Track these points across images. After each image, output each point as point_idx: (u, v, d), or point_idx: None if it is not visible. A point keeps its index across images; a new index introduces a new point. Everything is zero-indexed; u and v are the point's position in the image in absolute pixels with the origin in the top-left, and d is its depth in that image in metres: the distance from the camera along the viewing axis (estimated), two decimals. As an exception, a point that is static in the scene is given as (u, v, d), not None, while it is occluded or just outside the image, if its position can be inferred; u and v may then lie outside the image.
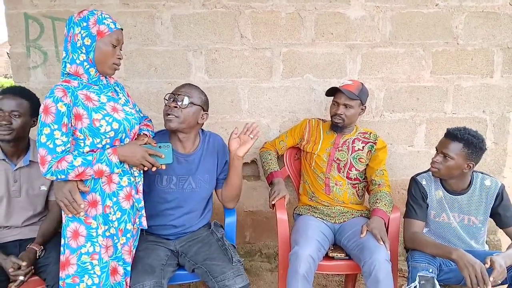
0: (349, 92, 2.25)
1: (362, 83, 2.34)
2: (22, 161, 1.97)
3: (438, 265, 1.93)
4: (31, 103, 1.95)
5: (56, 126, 1.54)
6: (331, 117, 2.33)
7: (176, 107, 1.89)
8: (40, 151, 1.56)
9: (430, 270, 1.85)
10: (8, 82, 22.00)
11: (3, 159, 1.94)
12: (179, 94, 1.91)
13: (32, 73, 2.59)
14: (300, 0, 2.61)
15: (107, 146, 1.67)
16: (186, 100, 1.89)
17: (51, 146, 1.55)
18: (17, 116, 1.90)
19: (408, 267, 1.94)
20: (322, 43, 2.68)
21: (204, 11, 2.59)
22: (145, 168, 1.74)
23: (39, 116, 1.57)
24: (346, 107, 2.26)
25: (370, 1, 2.64)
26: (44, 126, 1.54)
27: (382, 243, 1.97)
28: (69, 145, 1.60)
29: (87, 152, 1.63)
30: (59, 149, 1.56)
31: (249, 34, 2.64)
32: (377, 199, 2.19)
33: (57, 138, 1.55)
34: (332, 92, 2.35)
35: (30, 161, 1.98)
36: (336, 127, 2.33)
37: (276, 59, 2.68)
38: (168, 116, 1.89)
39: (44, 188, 2.02)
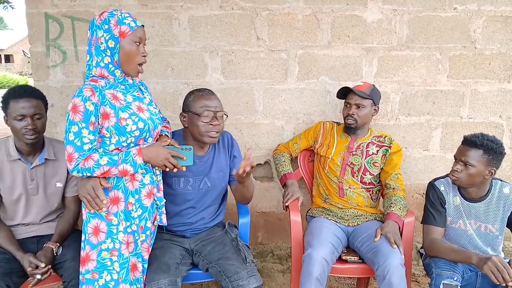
0: (360, 91, 2.26)
1: (373, 85, 2.35)
2: (37, 159, 1.99)
3: (462, 272, 1.91)
4: (44, 102, 1.99)
5: (84, 125, 1.58)
6: (344, 118, 2.34)
7: (218, 124, 1.91)
8: (67, 148, 1.60)
9: (455, 278, 1.84)
10: (22, 80, 22.33)
11: (19, 159, 1.97)
12: (218, 111, 1.91)
13: (51, 72, 2.64)
14: (317, 2, 2.62)
15: (132, 144, 1.70)
16: (224, 117, 1.95)
17: (78, 144, 1.59)
18: (38, 118, 1.93)
19: (432, 274, 1.91)
20: (338, 46, 2.68)
21: (221, 12, 2.61)
22: (167, 169, 1.76)
23: (67, 114, 1.60)
24: (358, 107, 2.27)
25: (387, 4, 2.63)
26: (72, 124, 1.58)
27: (396, 247, 1.96)
28: (95, 143, 1.63)
29: (112, 150, 1.66)
30: (86, 147, 1.60)
31: (265, 36, 2.65)
32: (392, 203, 2.18)
33: (85, 137, 1.59)
34: (344, 95, 2.36)
35: (45, 159, 2.01)
36: (349, 129, 2.32)
37: (292, 61, 2.69)
38: (216, 133, 1.90)
39: (59, 185, 2.05)
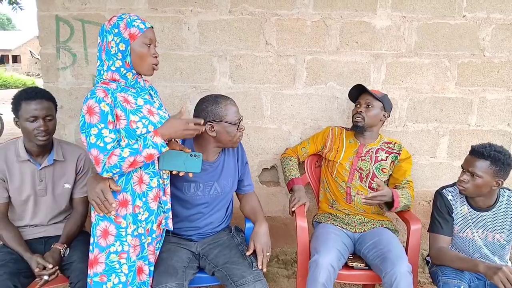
0: (372, 92, 2.29)
1: (386, 94, 2.37)
2: (46, 160, 2.01)
3: (469, 281, 1.91)
4: (54, 104, 2.01)
5: (102, 125, 1.57)
6: (352, 117, 2.35)
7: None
8: (92, 152, 1.57)
9: (462, 287, 1.84)
10: (29, 80, 22.46)
11: (28, 159, 1.98)
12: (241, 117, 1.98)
13: (61, 74, 2.65)
14: (326, 9, 2.62)
15: None
16: None
17: (101, 145, 1.56)
18: (50, 120, 1.95)
19: (438, 282, 1.92)
20: (346, 52, 2.68)
21: (231, 17, 2.62)
22: (174, 172, 1.76)
23: (82, 118, 1.59)
24: (368, 106, 2.28)
25: (396, 11, 2.63)
26: (91, 127, 1.56)
27: (371, 197, 2.04)
28: (117, 142, 1.61)
29: None
30: (109, 147, 1.57)
31: (274, 41, 2.65)
32: (399, 189, 2.23)
33: (106, 136, 1.57)
34: (356, 97, 2.38)
35: (54, 160, 2.02)
36: (356, 127, 2.32)
37: (300, 67, 2.69)
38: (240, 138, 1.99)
39: (67, 186, 2.06)
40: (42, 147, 1.98)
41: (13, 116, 1.95)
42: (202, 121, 1.72)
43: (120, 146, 1.61)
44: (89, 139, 1.57)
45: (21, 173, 1.98)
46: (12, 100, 1.95)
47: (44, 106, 1.92)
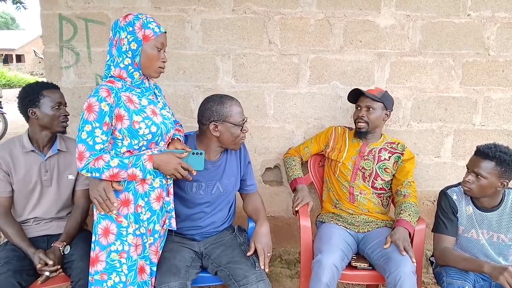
0: (371, 94, 2.26)
1: (386, 91, 2.35)
2: (50, 150, 2.04)
3: (473, 282, 1.89)
4: None
5: (97, 124, 1.59)
6: (355, 122, 2.33)
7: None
8: (79, 146, 1.61)
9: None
10: (33, 80, 22.53)
11: (33, 150, 2.01)
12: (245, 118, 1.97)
13: (64, 73, 2.66)
14: (330, 7, 2.61)
15: (143, 148, 1.70)
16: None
17: (90, 143, 1.60)
18: (66, 106, 2.06)
19: (443, 283, 1.90)
20: (350, 51, 2.66)
21: (234, 16, 2.61)
22: (174, 178, 1.77)
23: (81, 113, 1.62)
24: (368, 109, 2.26)
25: (401, 10, 2.62)
26: (86, 123, 1.59)
27: (405, 254, 1.94)
28: (107, 144, 1.64)
29: (124, 153, 1.67)
30: (98, 147, 1.61)
31: (277, 40, 2.64)
32: (402, 209, 2.16)
33: (97, 136, 1.60)
34: (355, 99, 2.36)
35: (58, 150, 2.05)
36: (360, 133, 2.31)
37: (303, 66, 2.68)
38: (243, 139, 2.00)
39: (71, 177, 2.08)
40: (53, 137, 2.05)
41: (27, 109, 1.97)
42: (194, 172, 1.79)
43: (110, 153, 1.64)
44: (81, 134, 1.61)
45: (26, 164, 2.00)
46: (25, 94, 1.98)
47: (62, 95, 2.05)
